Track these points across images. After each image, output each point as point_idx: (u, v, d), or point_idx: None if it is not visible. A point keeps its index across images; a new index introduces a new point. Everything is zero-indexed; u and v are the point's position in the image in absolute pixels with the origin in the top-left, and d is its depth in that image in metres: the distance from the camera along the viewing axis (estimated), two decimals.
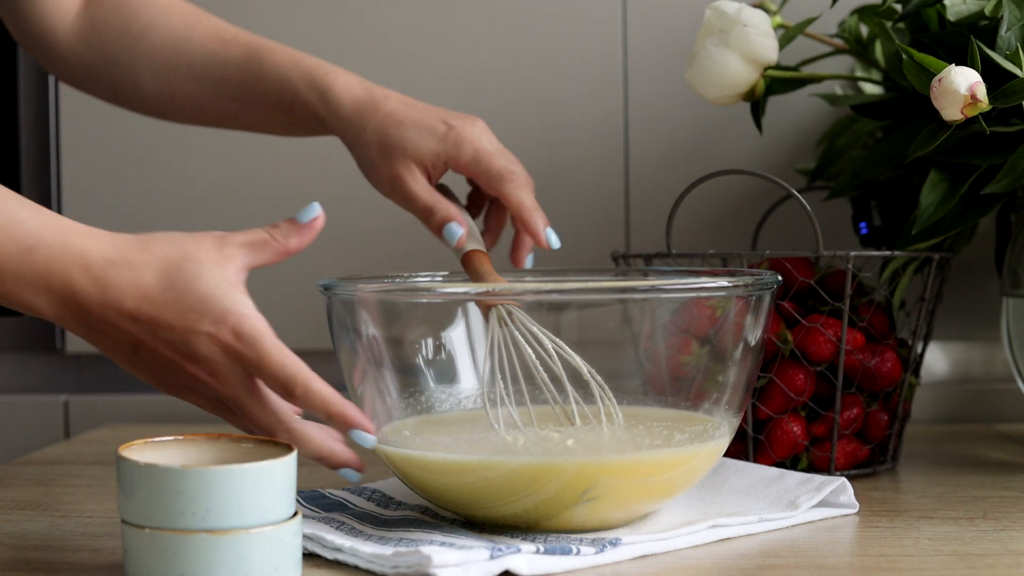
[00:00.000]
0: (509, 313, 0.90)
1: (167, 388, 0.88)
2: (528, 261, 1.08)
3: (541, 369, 0.89)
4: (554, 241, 1.04)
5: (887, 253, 1.09)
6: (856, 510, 0.98)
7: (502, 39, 1.41)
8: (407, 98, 1.09)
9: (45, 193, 1.46)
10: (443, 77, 1.41)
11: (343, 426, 0.87)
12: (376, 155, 1.07)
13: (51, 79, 1.45)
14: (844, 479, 0.98)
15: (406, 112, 1.07)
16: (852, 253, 1.08)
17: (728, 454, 1.07)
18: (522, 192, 1.05)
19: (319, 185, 1.42)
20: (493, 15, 1.41)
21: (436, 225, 1.05)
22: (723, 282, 0.91)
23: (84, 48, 1.16)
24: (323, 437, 0.88)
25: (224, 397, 0.87)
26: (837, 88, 1.34)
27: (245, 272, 0.88)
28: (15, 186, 1.46)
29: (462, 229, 1.04)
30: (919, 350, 1.16)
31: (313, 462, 0.92)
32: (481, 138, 1.06)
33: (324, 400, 0.86)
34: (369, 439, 0.88)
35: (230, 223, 1.43)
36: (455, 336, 0.92)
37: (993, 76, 1.01)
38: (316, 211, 0.90)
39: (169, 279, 0.85)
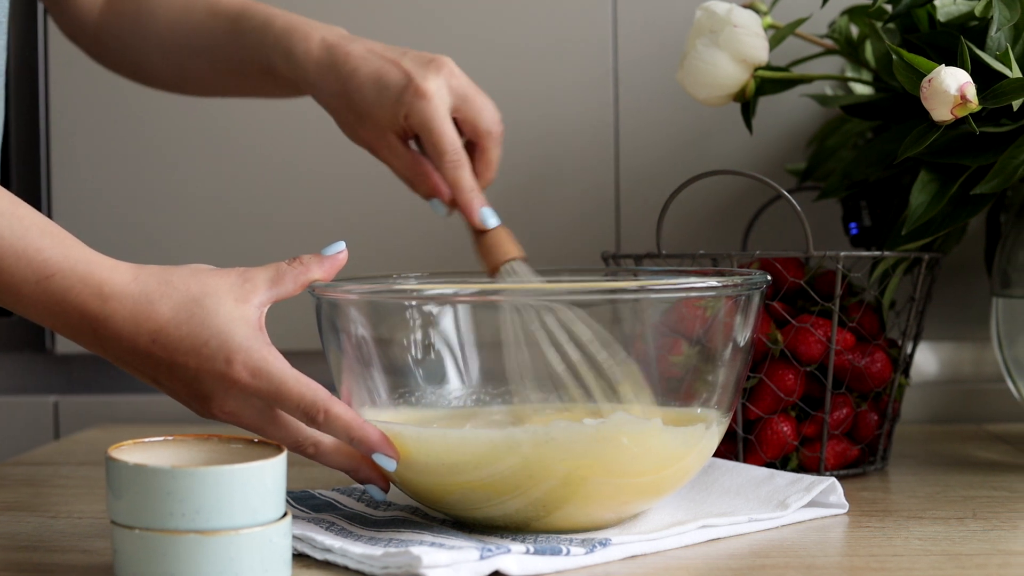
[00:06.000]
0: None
1: (193, 411, 0.89)
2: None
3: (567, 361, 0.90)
4: (491, 220, 1.02)
5: (877, 253, 1.09)
6: (846, 510, 0.98)
7: (492, 38, 1.41)
8: (370, 45, 1.05)
9: (35, 192, 1.46)
10: None
11: (366, 449, 0.88)
12: (345, 122, 1.06)
13: (41, 78, 1.45)
14: (834, 479, 0.98)
15: (365, 66, 1.03)
16: (842, 253, 1.08)
17: (718, 454, 1.07)
18: (459, 172, 1.02)
19: (310, 185, 1.42)
20: (484, 14, 1.41)
21: (423, 196, 1.05)
22: (712, 282, 0.91)
23: (109, 38, 1.18)
24: (351, 451, 0.90)
25: (244, 427, 0.88)
26: (827, 88, 1.34)
27: (267, 306, 0.88)
28: (5, 185, 1.46)
29: (444, 208, 1.04)
30: (909, 350, 1.16)
31: (308, 461, 0.92)
32: (440, 95, 1.02)
33: (346, 424, 0.87)
34: (391, 463, 0.88)
35: (221, 221, 1.43)
36: (443, 336, 0.92)
37: (983, 76, 1.01)
38: (341, 247, 0.92)
39: (187, 313, 0.85)
